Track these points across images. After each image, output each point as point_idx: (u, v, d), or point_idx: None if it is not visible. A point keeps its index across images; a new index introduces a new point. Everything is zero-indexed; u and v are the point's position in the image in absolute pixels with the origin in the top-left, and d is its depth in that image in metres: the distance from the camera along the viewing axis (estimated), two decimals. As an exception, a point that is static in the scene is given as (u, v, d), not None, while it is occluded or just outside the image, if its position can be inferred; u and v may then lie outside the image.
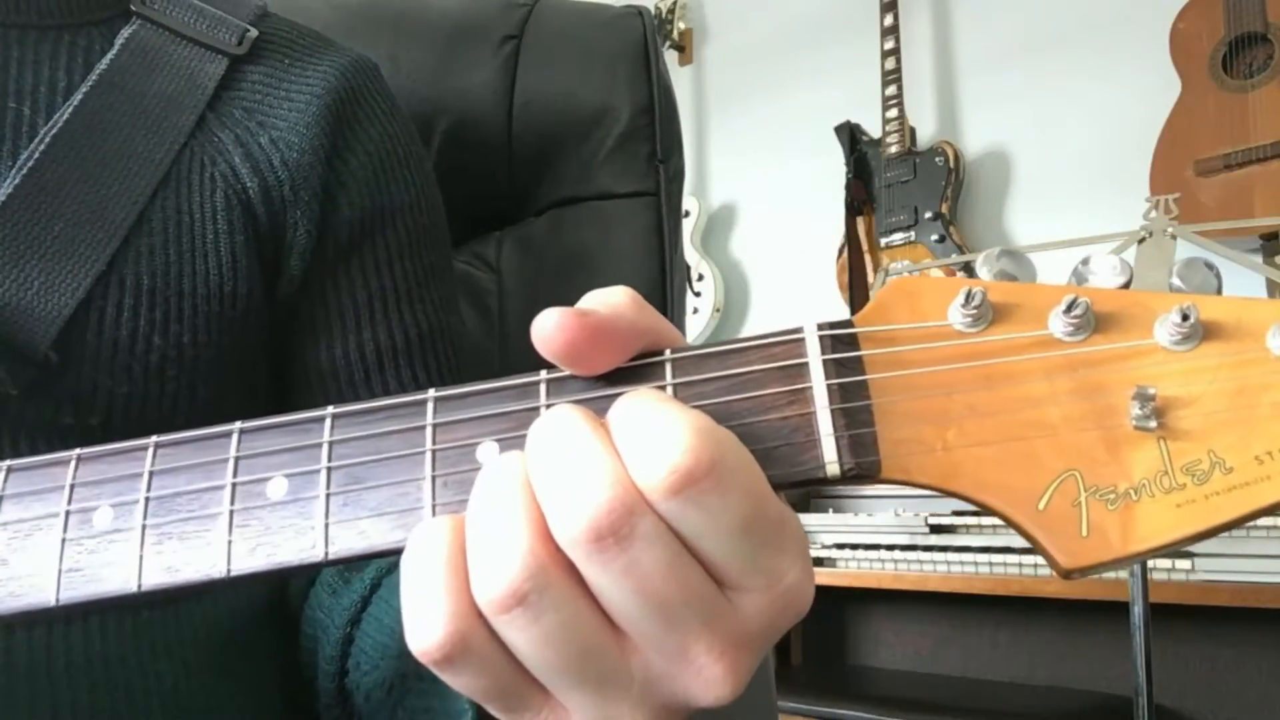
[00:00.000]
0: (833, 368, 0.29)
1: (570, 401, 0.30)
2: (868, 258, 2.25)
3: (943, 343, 0.29)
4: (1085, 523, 0.27)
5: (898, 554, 1.88)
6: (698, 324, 2.56)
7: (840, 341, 0.30)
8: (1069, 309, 0.28)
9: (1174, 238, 1.15)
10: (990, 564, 1.77)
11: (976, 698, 1.88)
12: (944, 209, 2.16)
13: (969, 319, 0.29)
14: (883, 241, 2.22)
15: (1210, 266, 0.29)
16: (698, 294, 2.58)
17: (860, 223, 2.28)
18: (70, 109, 0.51)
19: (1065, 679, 1.92)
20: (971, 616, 2.02)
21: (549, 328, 0.29)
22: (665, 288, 0.73)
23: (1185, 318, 0.27)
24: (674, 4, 2.75)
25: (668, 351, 0.31)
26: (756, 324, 2.58)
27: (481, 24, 0.78)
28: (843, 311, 2.32)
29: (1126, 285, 0.29)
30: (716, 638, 0.27)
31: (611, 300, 0.30)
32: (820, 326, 0.30)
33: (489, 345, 0.76)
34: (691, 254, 2.59)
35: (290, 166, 0.55)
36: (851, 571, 1.93)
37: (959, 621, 2.05)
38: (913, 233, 2.18)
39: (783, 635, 0.29)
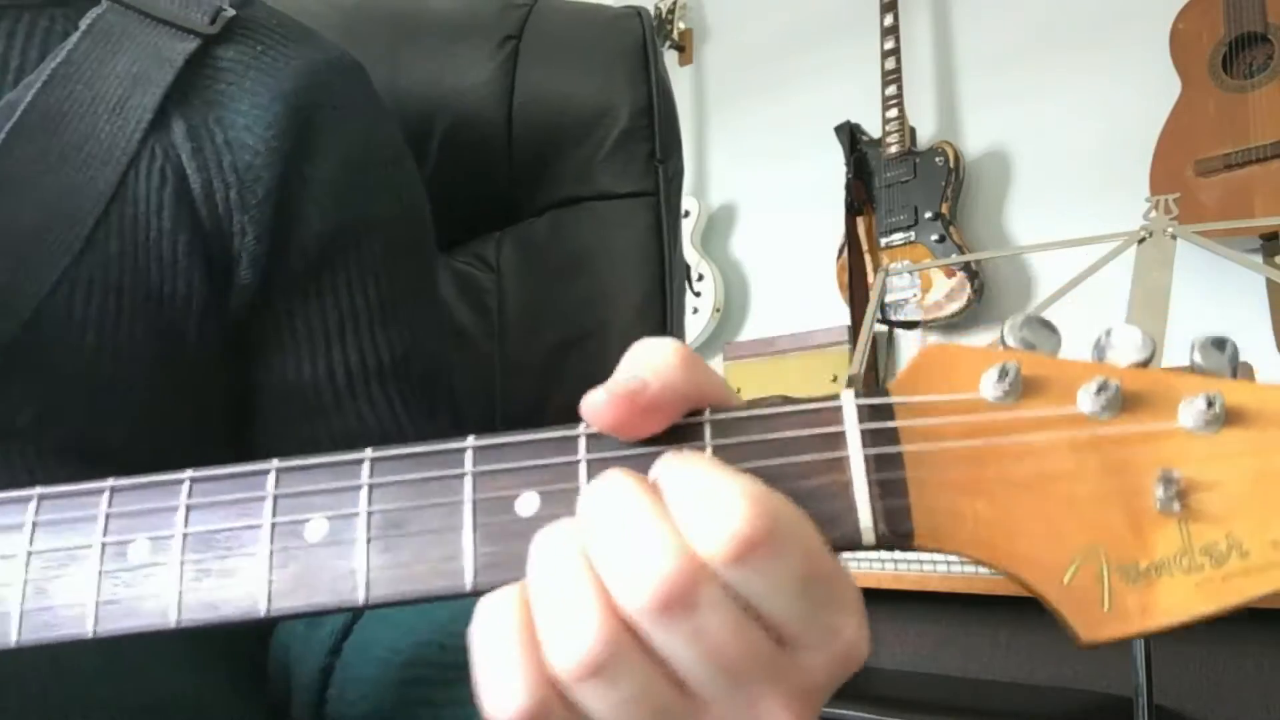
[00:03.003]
0: (869, 437, 0.30)
1: (610, 459, 0.31)
2: (868, 258, 2.25)
3: (976, 416, 0.30)
4: (1107, 598, 0.28)
5: (898, 554, 1.88)
6: (698, 324, 2.56)
7: (877, 411, 0.31)
8: (1099, 390, 0.29)
9: (1174, 238, 1.15)
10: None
11: (976, 698, 1.88)
12: (944, 209, 2.16)
13: (1002, 393, 0.30)
14: (883, 241, 2.22)
15: (1222, 348, 0.30)
16: (698, 294, 2.58)
17: (860, 223, 2.27)
18: (29, 97, 0.49)
19: (1065, 679, 1.92)
20: (971, 616, 2.02)
21: (598, 407, 0.29)
22: (665, 288, 0.73)
23: (1210, 404, 0.28)
24: (674, 4, 2.75)
25: (707, 412, 0.31)
26: (757, 324, 2.58)
27: (481, 24, 0.78)
28: (842, 311, 2.32)
29: (1148, 361, 0.30)
30: (781, 693, 0.28)
31: (661, 365, 0.30)
32: (858, 395, 0.31)
33: (489, 345, 0.76)
34: (691, 254, 2.59)
35: (239, 170, 0.53)
36: (851, 571, 1.93)
37: (959, 621, 2.05)
38: (913, 233, 2.18)
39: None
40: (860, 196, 2.28)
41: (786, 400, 0.31)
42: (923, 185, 2.20)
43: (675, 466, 0.28)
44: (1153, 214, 1.17)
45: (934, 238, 2.15)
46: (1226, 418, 0.29)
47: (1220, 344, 0.30)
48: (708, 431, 0.31)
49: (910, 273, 2.13)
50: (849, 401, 0.31)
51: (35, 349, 0.47)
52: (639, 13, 0.78)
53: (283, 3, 0.64)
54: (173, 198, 0.52)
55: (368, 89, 0.60)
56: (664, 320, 0.72)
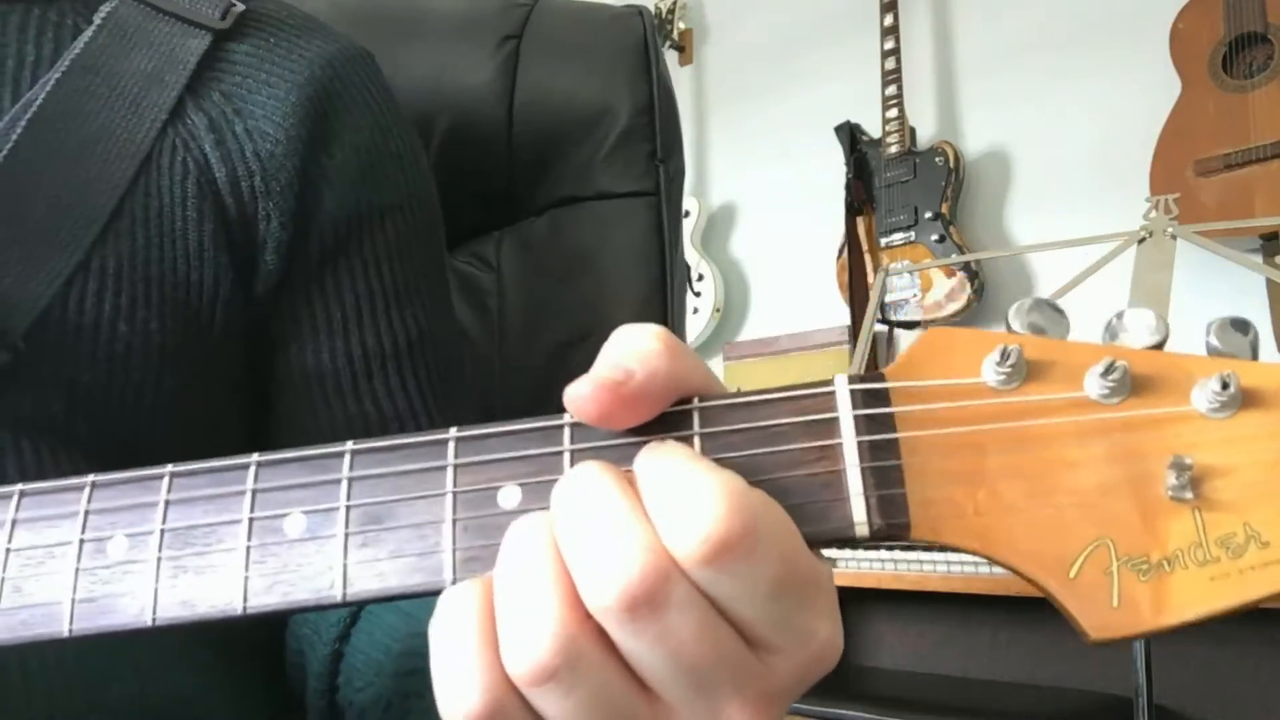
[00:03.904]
0: (863, 424, 0.29)
1: (594, 448, 0.30)
2: (868, 258, 2.25)
3: (976, 401, 0.29)
4: (1117, 593, 0.26)
5: (898, 554, 1.88)
6: (698, 324, 2.55)
7: (871, 397, 0.29)
8: (1106, 372, 0.27)
9: (1174, 238, 1.16)
10: (990, 564, 1.77)
11: (976, 698, 1.88)
12: (944, 209, 2.16)
13: (1003, 377, 0.28)
14: (883, 241, 2.22)
15: (1246, 330, 0.28)
16: (698, 294, 2.58)
17: (860, 223, 2.27)
18: (46, 91, 0.49)
19: (1065, 679, 1.92)
20: (971, 616, 2.02)
21: (582, 397, 0.28)
22: (665, 288, 0.73)
23: (1225, 385, 0.27)
24: (674, 4, 2.75)
25: (695, 400, 0.30)
26: (757, 324, 2.58)
27: (481, 24, 0.78)
28: (842, 311, 2.32)
29: (1161, 344, 0.29)
30: (748, 697, 0.27)
31: (645, 353, 0.29)
32: (851, 380, 0.29)
33: (488, 345, 0.76)
34: (691, 254, 2.59)
35: (262, 158, 0.53)
36: (851, 571, 1.93)
37: (959, 621, 2.05)
38: (913, 233, 2.18)
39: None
40: (860, 196, 2.28)
41: (779, 388, 0.30)
42: (923, 185, 2.19)
43: (653, 460, 0.27)
44: (1153, 214, 1.17)
45: (934, 238, 2.15)
46: (1243, 400, 0.27)
47: (1242, 326, 0.28)
48: (696, 420, 0.30)
49: (910, 273, 2.13)
50: (842, 387, 0.29)
51: (56, 341, 0.47)
52: (640, 12, 0.78)
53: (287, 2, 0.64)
54: (196, 188, 0.52)
55: (378, 77, 0.61)
56: (664, 320, 0.72)
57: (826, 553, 2.01)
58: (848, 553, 1.94)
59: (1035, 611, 1.91)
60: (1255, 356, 0.28)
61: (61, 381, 0.47)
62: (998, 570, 1.95)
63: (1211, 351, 0.28)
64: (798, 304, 2.48)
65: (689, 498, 0.26)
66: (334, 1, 0.79)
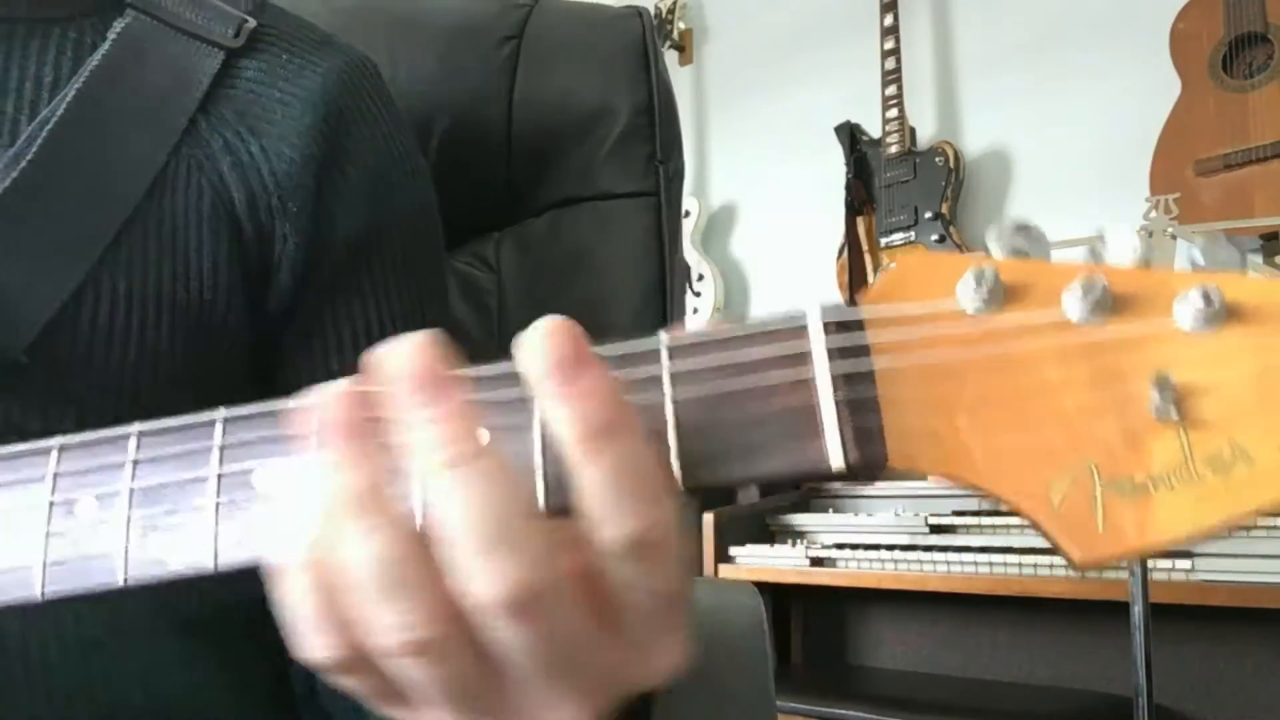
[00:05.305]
0: (837, 355, 0.28)
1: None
2: (868, 258, 2.25)
3: (952, 326, 0.28)
4: (1101, 516, 0.26)
5: (898, 554, 1.88)
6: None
7: (845, 327, 0.28)
8: (1084, 290, 0.27)
9: (1174, 238, 1.15)
10: (990, 564, 1.77)
11: (976, 698, 1.88)
12: (944, 209, 2.16)
13: (979, 300, 0.27)
14: (883, 241, 2.22)
15: (1233, 242, 0.28)
16: (698, 294, 2.58)
17: (860, 223, 2.28)
18: (64, 106, 0.49)
19: (1065, 679, 1.92)
20: (971, 616, 2.02)
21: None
22: (665, 288, 0.73)
23: (1207, 299, 0.26)
24: (674, 4, 2.75)
25: (664, 335, 0.29)
26: (756, 324, 2.58)
27: (481, 24, 0.78)
28: (843, 311, 2.32)
29: (1146, 265, 0.28)
30: (585, 689, 0.29)
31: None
32: (825, 311, 0.29)
33: (488, 346, 0.76)
34: (691, 254, 2.59)
35: (279, 177, 0.53)
36: (851, 571, 1.93)
37: (959, 621, 2.05)
38: (913, 233, 2.18)
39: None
40: (860, 196, 2.28)
41: (750, 322, 0.29)
42: (923, 185, 2.20)
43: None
44: (1153, 214, 1.17)
45: (934, 238, 2.15)
46: (1227, 314, 0.26)
47: (1226, 240, 0.28)
48: (664, 356, 0.29)
49: (910, 273, 2.13)
50: (814, 317, 0.28)
51: (66, 357, 0.47)
52: (639, 12, 0.78)
53: (284, 4, 0.64)
54: (211, 209, 0.52)
55: (384, 89, 0.61)
56: (664, 320, 0.72)
57: (824, 552, 1.98)
58: (847, 553, 1.94)
59: (1035, 611, 1.91)
60: (1243, 272, 0.27)
61: (71, 398, 0.47)
62: (998, 570, 1.94)
63: (1196, 267, 0.28)
64: (798, 304, 2.48)
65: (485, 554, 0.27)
66: (331, 4, 0.79)
